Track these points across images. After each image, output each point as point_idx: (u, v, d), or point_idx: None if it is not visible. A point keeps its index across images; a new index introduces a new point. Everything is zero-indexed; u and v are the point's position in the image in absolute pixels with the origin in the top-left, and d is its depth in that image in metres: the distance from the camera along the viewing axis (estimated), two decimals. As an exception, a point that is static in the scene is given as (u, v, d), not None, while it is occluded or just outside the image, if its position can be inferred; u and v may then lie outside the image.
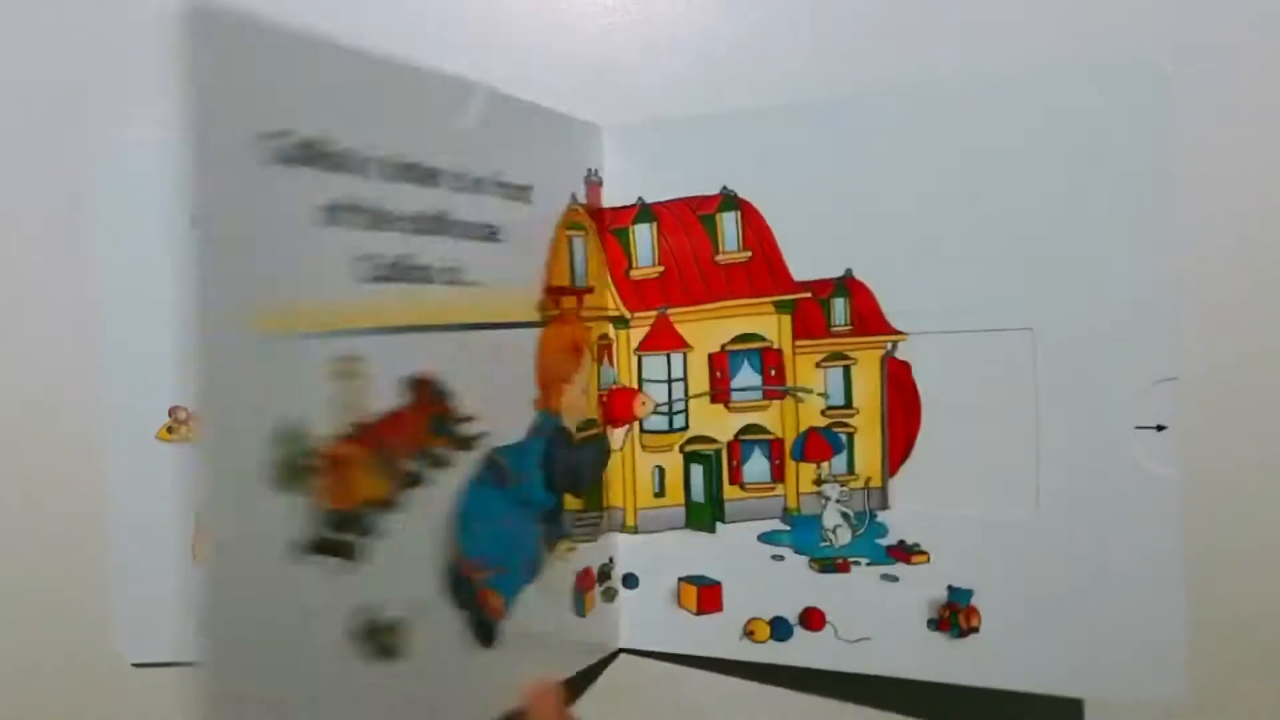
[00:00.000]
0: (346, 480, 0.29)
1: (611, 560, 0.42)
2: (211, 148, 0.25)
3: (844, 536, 0.40)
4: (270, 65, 0.27)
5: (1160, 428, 0.35)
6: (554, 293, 0.39)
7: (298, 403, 0.28)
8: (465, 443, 0.34)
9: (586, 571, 0.41)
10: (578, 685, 0.42)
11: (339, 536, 0.29)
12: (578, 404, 0.41)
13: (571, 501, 0.41)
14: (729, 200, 0.41)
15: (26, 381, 0.43)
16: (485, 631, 0.35)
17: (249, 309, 0.26)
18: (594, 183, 0.42)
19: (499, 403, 0.35)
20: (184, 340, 0.25)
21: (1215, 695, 0.39)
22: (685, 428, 0.42)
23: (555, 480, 0.39)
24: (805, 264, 0.40)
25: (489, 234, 0.35)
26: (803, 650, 0.40)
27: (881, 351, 0.39)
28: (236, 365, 0.26)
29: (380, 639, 0.30)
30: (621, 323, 0.42)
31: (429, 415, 0.32)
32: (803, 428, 0.40)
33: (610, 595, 0.42)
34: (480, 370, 0.34)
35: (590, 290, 0.41)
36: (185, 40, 0.25)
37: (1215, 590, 0.38)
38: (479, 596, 0.35)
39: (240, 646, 0.26)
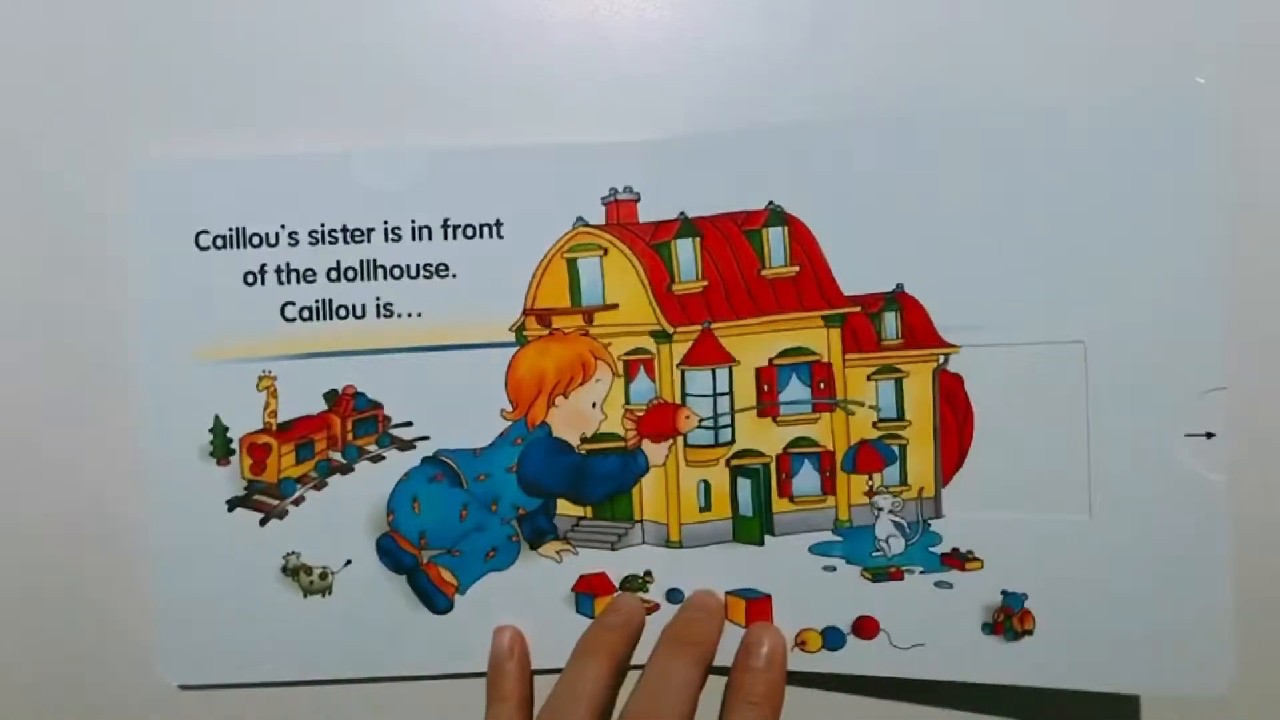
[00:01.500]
0: (267, 459, 0.41)
1: (649, 574, 0.42)
2: (158, 250, 0.41)
3: (897, 546, 0.41)
4: (198, 186, 0.41)
5: (1209, 435, 0.37)
6: (539, 313, 0.41)
7: (228, 406, 0.41)
8: (400, 443, 0.42)
9: (597, 577, 0.42)
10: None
11: (261, 498, 0.42)
12: (583, 416, 0.42)
13: (571, 508, 0.42)
14: (776, 215, 0.41)
15: (60, 409, 0.43)
16: (432, 600, 0.42)
17: (187, 345, 0.41)
18: (623, 200, 0.42)
19: (448, 412, 0.42)
20: (143, 366, 0.41)
21: (1263, 690, 0.41)
22: (732, 441, 0.42)
23: (532, 485, 0.42)
24: (855, 278, 0.40)
25: (436, 271, 0.42)
26: (856, 658, 0.41)
27: (933, 364, 0.40)
28: (180, 383, 0.41)
29: (307, 578, 0.42)
30: (663, 337, 0.42)
31: (351, 420, 0.42)
32: (854, 440, 0.41)
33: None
34: (423, 385, 0.42)
35: (611, 307, 0.42)
36: (135, 184, 0.41)
37: (1263, 591, 0.40)
38: (425, 569, 0.42)
39: (187, 572, 0.41)
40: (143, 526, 0.41)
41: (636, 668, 0.42)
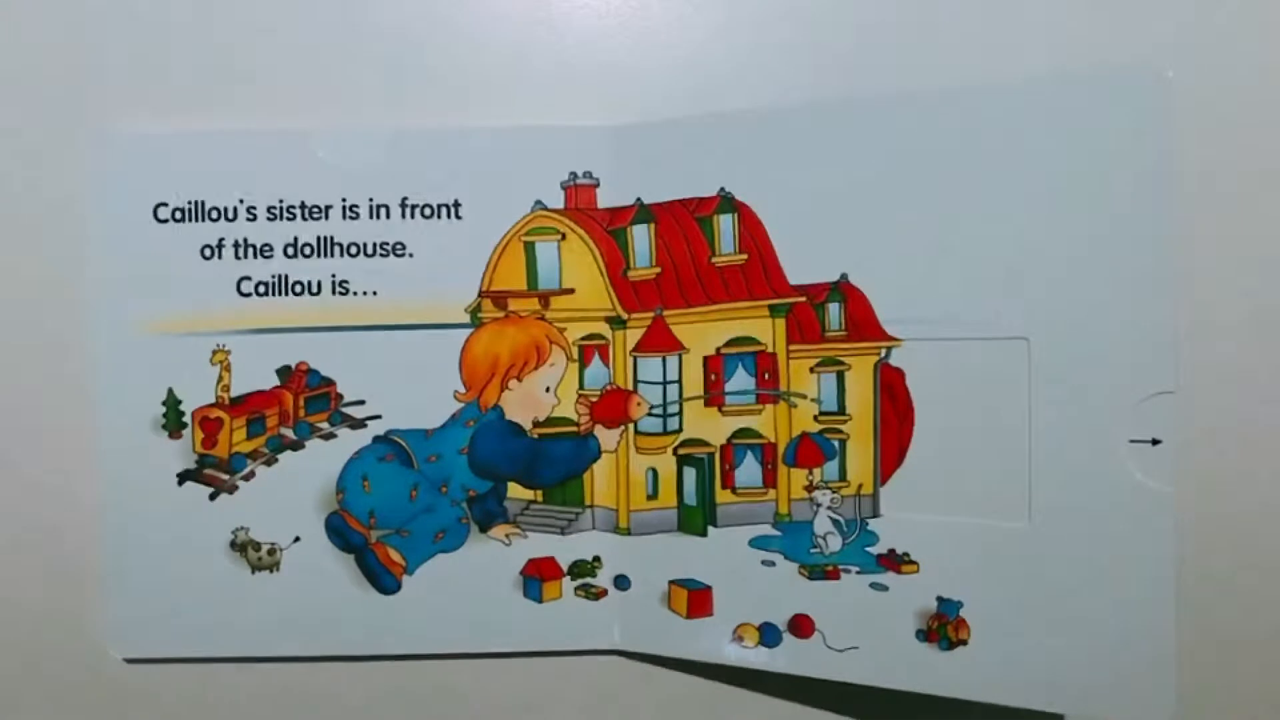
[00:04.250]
0: (218, 434, 0.42)
1: (598, 559, 0.42)
2: (116, 222, 0.42)
3: (834, 544, 0.39)
4: (158, 159, 0.42)
5: (1155, 441, 0.35)
6: (495, 296, 0.41)
7: (182, 379, 0.42)
8: (352, 421, 0.42)
9: (546, 561, 0.42)
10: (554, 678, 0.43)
11: (212, 473, 0.42)
12: (537, 400, 0.42)
13: (521, 491, 0.42)
14: (726, 202, 0.40)
15: (12, 379, 0.43)
16: (379, 580, 0.42)
17: (143, 317, 0.41)
18: (582, 185, 0.42)
19: (401, 392, 0.42)
20: (98, 337, 0.42)
21: (1205, 714, 0.39)
22: (679, 430, 0.41)
23: (484, 468, 0.42)
24: (801, 268, 0.40)
25: (392, 250, 0.42)
26: (791, 657, 0.40)
27: (875, 357, 0.39)
28: (134, 355, 0.41)
29: (255, 554, 0.42)
30: (618, 323, 0.42)
31: (304, 396, 0.42)
32: (795, 433, 0.40)
33: (592, 593, 0.42)
34: (376, 364, 0.42)
35: (568, 292, 0.42)
36: (95, 156, 0.41)
37: (1208, 606, 0.38)
38: (373, 549, 0.42)
39: (136, 544, 0.42)
40: (93, 497, 0.42)
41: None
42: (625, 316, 0.42)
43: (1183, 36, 0.39)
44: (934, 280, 0.38)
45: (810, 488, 0.40)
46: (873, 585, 0.39)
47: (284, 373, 0.42)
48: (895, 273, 0.38)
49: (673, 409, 0.41)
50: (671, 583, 0.41)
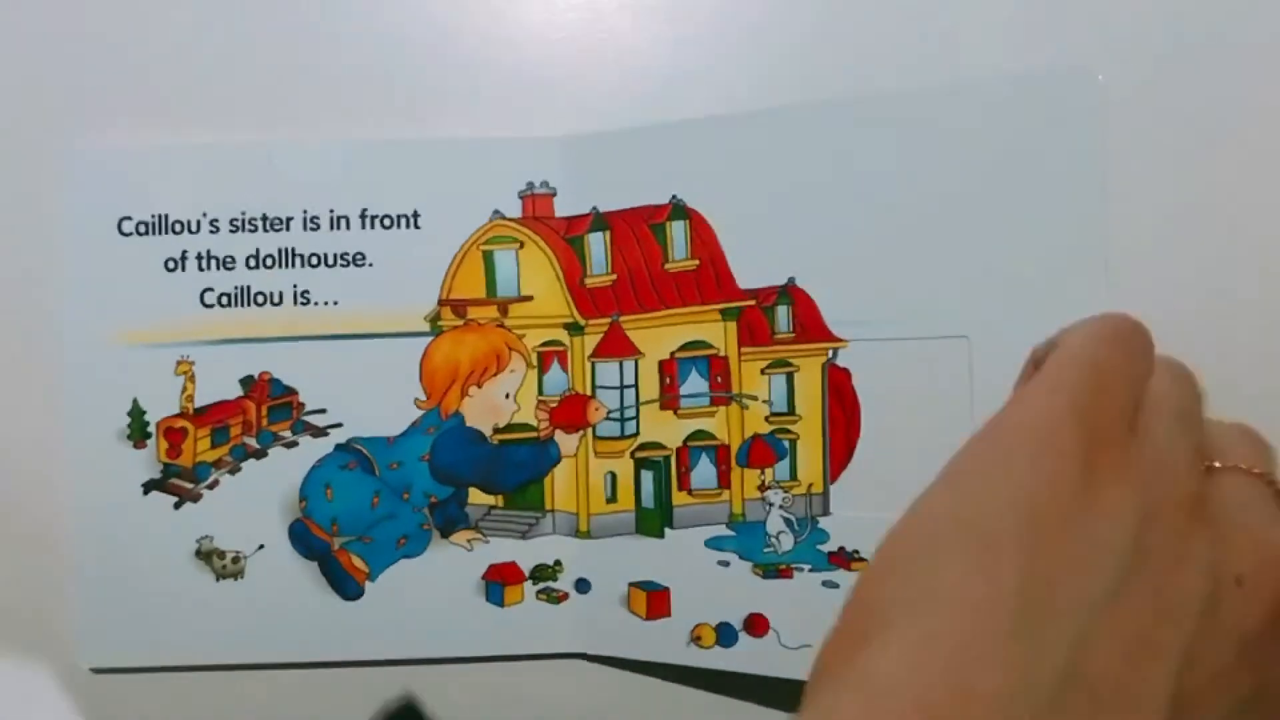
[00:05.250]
0: (183, 444, 0.42)
1: (559, 563, 0.43)
2: (82, 236, 0.42)
3: (787, 543, 0.40)
4: (121, 174, 0.42)
5: (1093, 436, 0.35)
6: (455, 304, 0.42)
7: (146, 390, 0.42)
8: (314, 430, 0.43)
9: (507, 566, 0.43)
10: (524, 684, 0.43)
11: (176, 482, 0.42)
12: (497, 407, 0.43)
13: (482, 496, 0.43)
14: (678, 209, 0.41)
15: None
16: (342, 587, 0.42)
17: (108, 329, 0.42)
18: (539, 194, 0.42)
19: (362, 400, 0.42)
20: (64, 349, 0.42)
21: None
22: (636, 434, 0.42)
23: (445, 474, 0.43)
24: (750, 272, 0.40)
25: (353, 260, 0.43)
26: (747, 657, 0.40)
27: (823, 358, 0.40)
28: (100, 366, 0.42)
29: (220, 562, 0.42)
30: (576, 329, 0.42)
31: (266, 406, 0.42)
32: (748, 434, 0.41)
33: (553, 596, 0.43)
34: (338, 373, 0.42)
35: (526, 299, 0.43)
36: (60, 172, 0.42)
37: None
38: (336, 556, 0.43)
39: (101, 554, 0.42)
40: (59, 507, 0.42)
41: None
42: (583, 323, 0.42)
43: (1113, 41, 0.40)
44: (877, 282, 0.38)
45: (763, 488, 0.40)
46: (825, 583, 0.39)
47: (247, 382, 0.43)
48: (840, 275, 0.39)
49: (630, 413, 0.42)
50: (631, 585, 0.42)
